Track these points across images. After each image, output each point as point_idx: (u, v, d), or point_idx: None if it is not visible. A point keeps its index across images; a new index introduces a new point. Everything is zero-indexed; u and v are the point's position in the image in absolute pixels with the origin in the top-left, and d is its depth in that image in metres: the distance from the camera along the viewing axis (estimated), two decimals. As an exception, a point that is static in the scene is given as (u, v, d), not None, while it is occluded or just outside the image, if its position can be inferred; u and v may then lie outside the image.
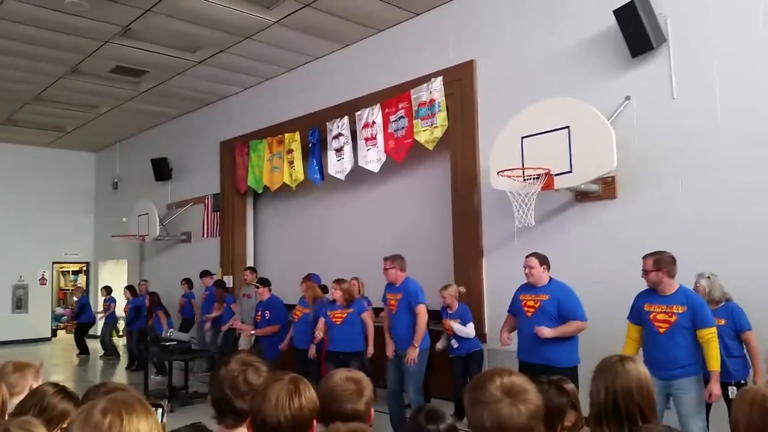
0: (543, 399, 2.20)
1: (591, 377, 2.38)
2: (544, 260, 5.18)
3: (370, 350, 6.56)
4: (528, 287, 5.26)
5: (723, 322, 4.69)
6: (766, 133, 5.11)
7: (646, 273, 4.54)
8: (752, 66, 5.23)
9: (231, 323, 9.10)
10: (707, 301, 4.69)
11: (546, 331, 4.88)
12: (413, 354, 5.73)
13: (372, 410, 2.21)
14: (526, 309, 5.17)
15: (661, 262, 4.47)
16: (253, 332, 7.95)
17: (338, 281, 6.73)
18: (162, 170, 12.72)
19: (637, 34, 5.66)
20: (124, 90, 10.95)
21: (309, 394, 1.90)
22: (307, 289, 7.33)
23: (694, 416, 4.30)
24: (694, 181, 5.49)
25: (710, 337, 4.30)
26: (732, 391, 4.59)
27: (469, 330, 6.40)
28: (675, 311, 4.40)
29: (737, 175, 5.24)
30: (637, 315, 4.65)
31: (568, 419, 2.27)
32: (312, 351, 6.98)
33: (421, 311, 5.81)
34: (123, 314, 12.35)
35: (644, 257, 4.58)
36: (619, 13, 5.71)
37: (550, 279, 5.18)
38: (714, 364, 4.26)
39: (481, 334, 6.72)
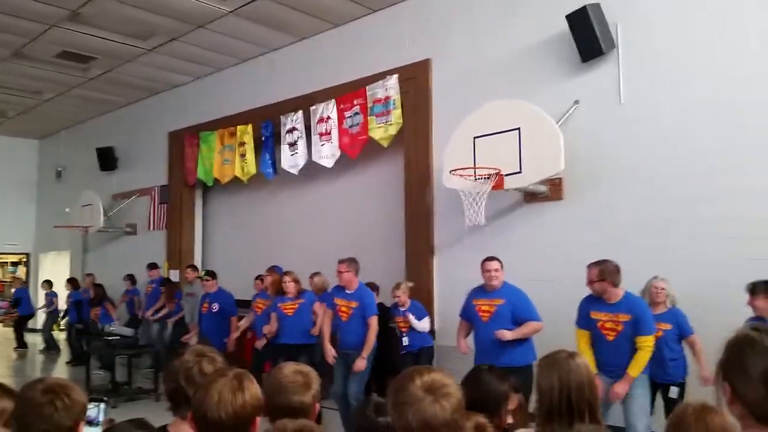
0: (485, 386, 2.24)
1: (537, 372, 2.33)
2: (502, 264, 5.21)
3: (315, 331, 6.56)
4: (481, 292, 5.26)
5: (669, 326, 4.85)
6: (707, 143, 5.32)
7: (590, 283, 4.60)
8: (696, 76, 5.43)
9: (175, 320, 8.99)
10: (671, 305, 4.88)
11: (507, 334, 4.91)
12: (361, 365, 5.70)
13: (318, 405, 2.21)
14: (481, 314, 5.17)
15: (604, 272, 4.54)
16: (233, 337, 7.71)
17: (288, 273, 6.73)
18: (108, 160, 12.36)
19: (588, 40, 5.81)
20: (71, 76, 10.59)
21: (253, 390, 1.89)
22: (273, 282, 7.20)
23: (640, 414, 4.41)
24: (637, 186, 5.67)
25: (647, 345, 4.38)
26: (673, 390, 4.79)
27: (424, 324, 6.45)
28: (621, 320, 4.48)
29: (678, 182, 5.44)
30: (585, 321, 4.71)
31: (512, 402, 2.31)
32: (260, 343, 7.02)
33: (374, 324, 5.78)
34: (64, 307, 11.98)
35: (589, 267, 4.64)
36: (571, 18, 5.86)
37: (504, 282, 5.21)
38: (635, 369, 4.35)
39: (431, 331, 6.77)
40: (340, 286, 6.01)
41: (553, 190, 6.12)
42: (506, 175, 5.91)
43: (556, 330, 4.90)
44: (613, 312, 4.53)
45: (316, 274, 7.25)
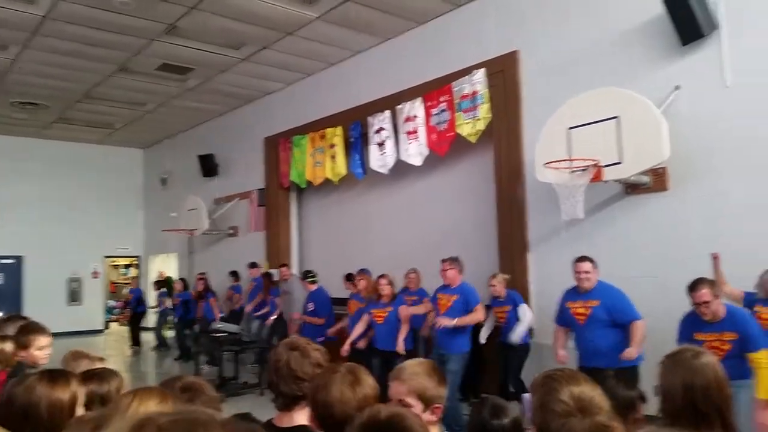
0: (610, 393, 2.15)
1: (659, 371, 2.17)
2: (595, 264, 5.00)
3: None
4: (574, 293, 5.08)
5: None
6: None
7: (705, 305, 4.15)
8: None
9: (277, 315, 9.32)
10: None
11: (633, 353, 4.62)
12: (446, 322, 5.75)
13: None
14: (577, 317, 5.00)
15: (714, 289, 4.21)
16: (297, 318, 8.21)
17: (384, 276, 6.69)
18: (209, 166, 12.96)
19: (687, 22, 5.48)
20: (171, 87, 11.18)
21: (369, 381, 1.94)
22: (368, 285, 7.25)
23: None
24: (749, 172, 5.30)
25: (762, 362, 3.95)
26: None
27: (526, 316, 6.30)
28: (727, 339, 4.12)
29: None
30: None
31: (638, 411, 2.22)
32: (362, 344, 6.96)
33: (480, 310, 5.87)
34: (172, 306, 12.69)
35: (696, 287, 4.21)
36: (668, 0, 5.54)
37: (598, 282, 5.00)
38: (764, 391, 3.89)
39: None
40: (444, 284, 6.04)
41: (656, 180, 5.82)
42: (605, 166, 5.67)
43: (659, 329, 4.66)
44: (717, 331, 4.16)
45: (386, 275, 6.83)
